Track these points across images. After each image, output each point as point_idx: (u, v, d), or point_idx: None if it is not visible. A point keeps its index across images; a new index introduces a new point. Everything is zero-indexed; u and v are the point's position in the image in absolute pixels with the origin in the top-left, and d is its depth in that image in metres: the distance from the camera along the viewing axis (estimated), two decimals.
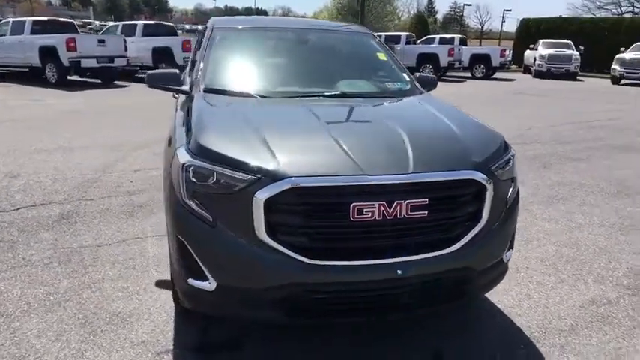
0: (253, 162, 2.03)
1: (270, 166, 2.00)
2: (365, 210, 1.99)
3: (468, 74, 22.25)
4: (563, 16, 32.18)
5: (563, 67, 22.15)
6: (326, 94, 2.99)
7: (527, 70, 24.77)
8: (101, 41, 13.57)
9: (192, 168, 2.10)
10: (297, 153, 2.10)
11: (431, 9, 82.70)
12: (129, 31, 15.30)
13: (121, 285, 3.04)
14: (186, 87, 3.07)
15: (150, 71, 3.19)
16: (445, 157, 2.19)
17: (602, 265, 3.52)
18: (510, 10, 62.10)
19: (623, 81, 20.29)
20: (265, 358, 2.40)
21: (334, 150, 2.12)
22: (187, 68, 4.62)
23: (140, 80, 15.75)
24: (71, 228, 3.88)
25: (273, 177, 1.97)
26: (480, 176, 2.15)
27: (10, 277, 3.09)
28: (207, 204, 2.08)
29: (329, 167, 2.02)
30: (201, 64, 3.13)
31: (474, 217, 2.20)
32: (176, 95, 3.77)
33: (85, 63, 13.05)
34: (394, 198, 2.01)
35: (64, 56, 12.63)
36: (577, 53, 22.39)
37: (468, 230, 2.19)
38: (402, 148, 2.17)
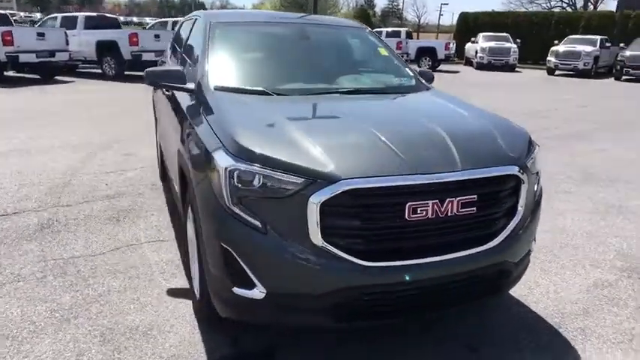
0: (306, 164, 1.95)
1: (324, 167, 1.94)
2: (419, 209, 1.98)
3: (415, 67, 22.79)
4: (498, 10, 33.76)
5: (503, 60, 23.22)
6: (340, 90, 2.94)
7: (468, 62, 25.72)
8: (40, 34, 12.65)
9: (236, 172, 1.99)
10: (346, 153, 2.04)
11: (370, 2, 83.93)
12: (69, 23, 14.35)
13: (131, 297, 2.85)
14: (191, 85, 2.91)
15: (149, 68, 2.99)
16: (487, 154, 2.22)
17: (593, 249, 3.72)
18: (447, 4, 63.78)
19: (557, 72, 21.59)
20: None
21: (381, 149, 2.09)
22: (169, 63, 4.41)
23: (84, 75, 14.90)
24: (56, 237, 3.60)
25: (328, 179, 1.90)
26: (518, 171, 2.20)
27: (3, 295, 2.82)
28: (255, 209, 1.98)
29: (382, 167, 1.99)
30: (206, 61, 2.96)
31: (511, 211, 2.25)
32: (167, 92, 3.59)
33: (23, 58, 12.12)
34: (446, 196, 2.02)
35: (1, 51, 11.66)
36: (515, 46, 23.53)
37: (506, 224, 2.23)
38: (445, 145, 2.18)
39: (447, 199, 2.02)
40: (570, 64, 21.06)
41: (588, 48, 20.96)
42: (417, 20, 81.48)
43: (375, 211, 1.96)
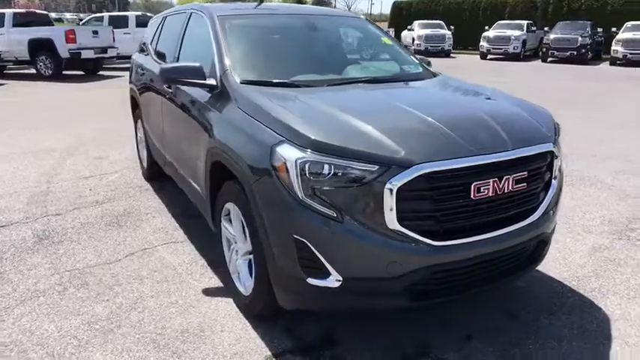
0: (378, 151, 2.01)
1: (396, 154, 2.00)
2: (482, 188, 2.10)
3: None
4: None
5: (439, 46, 24.09)
6: (362, 79, 2.99)
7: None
8: None
9: (308, 164, 2.01)
10: (411, 138, 2.11)
11: None
12: None
13: (167, 300, 2.78)
14: (212, 81, 2.85)
15: (164, 65, 2.91)
16: (528, 133, 2.37)
17: (582, 216, 4.05)
18: None
19: (489, 56, 22.73)
20: (362, 347, 2.40)
21: (439, 132, 2.18)
22: (151, 60, 4.25)
23: (15, 77, 13.85)
24: (60, 248, 3.41)
25: (402, 165, 1.97)
26: (553, 147, 2.38)
27: (28, 312, 2.65)
28: (329, 199, 2.01)
29: (447, 150, 2.08)
30: (225, 56, 2.90)
31: (547, 185, 2.42)
32: (169, 88, 3.48)
33: None
34: (503, 174, 2.15)
35: None
36: (449, 32, 24.49)
37: (544, 198, 2.41)
38: (491, 127, 2.30)
39: (504, 177, 2.15)
40: (501, 48, 22.24)
41: (517, 32, 22.23)
42: (347, 9, 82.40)
43: (444, 193, 2.05)
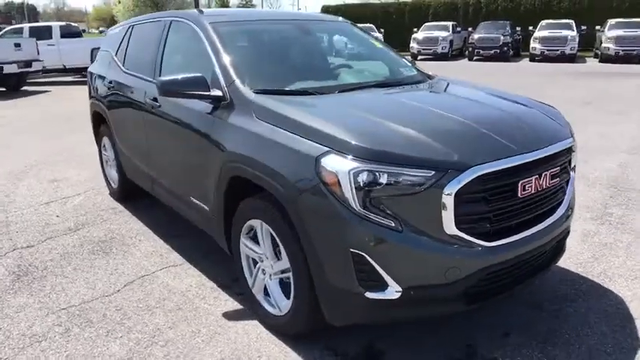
0: (433, 156, 1.97)
1: (450, 158, 1.98)
2: (527, 186, 2.13)
3: None
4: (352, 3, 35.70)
5: None
6: (372, 83, 2.95)
7: None
8: None
9: (362, 174, 1.93)
10: (457, 141, 2.09)
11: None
12: None
13: (189, 330, 2.58)
14: (217, 92, 2.68)
15: (164, 78, 2.70)
16: (552, 130, 2.43)
17: None
18: None
19: (420, 57, 23.59)
20: (409, 356, 2.35)
21: (480, 133, 2.18)
22: (122, 68, 3.98)
23: None
24: (45, 284, 3.07)
25: (459, 168, 1.95)
26: (573, 142, 2.48)
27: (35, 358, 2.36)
28: (386, 208, 1.95)
29: (495, 150, 2.09)
30: (229, 66, 2.74)
31: (568, 178, 2.51)
32: (155, 101, 3.25)
33: None
34: (542, 170, 2.20)
35: None
36: (380, 35, 25.13)
37: (566, 190, 2.49)
38: (522, 125, 2.34)
39: (543, 173, 2.20)
40: (430, 49, 23.16)
41: (444, 33, 23.26)
42: None
43: (496, 193, 2.06)
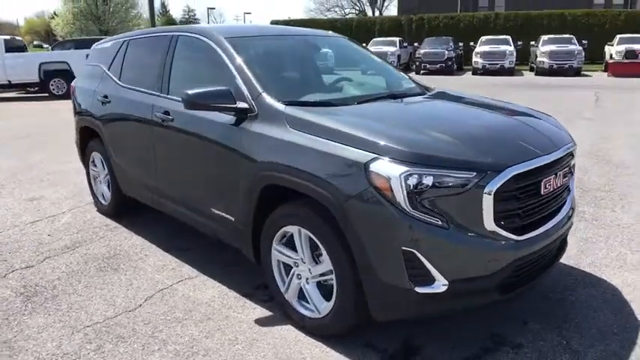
0: (473, 158, 2.17)
1: (488, 159, 2.18)
2: (547, 184, 2.38)
3: None
4: (299, 18, 36.33)
5: (323, 63, 25.11)
6: (385, 95, 3.14)
7: None
8: None
9: (412, 177, 2.09)
10: (488, 144, 2.30)
11: (165, 12, 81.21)
12: None
13: (225, 338, 2.61)
14: (243, 105, 2.77)
15: (191, 91, 2.74)
16: (558, 134, 2.70)
17: None
18: (250, 13, 65.77)
19: None
20: (445, 347, 2.51)
21: (507, 137, 2.42)
22: (118, 83, 3.95)
23: None
24: (60, 303, 2.99)
25: (497, 169, 2.16)
26: (574, 146, 2.77)
27: None
28: (433, 208, 2.11)
29: (523, 152, 2.31)
30: (253, 79, 2.84)
31: (572, 178, 2.80)
32: (168, 115, 3.27)
33: None
34: (557, 170, 2.46)
35: None
36: (330, 51, 25.64)
37: (570, 187, 2.78)
38: (536, 131, 2.60)
39: (559, 173, 2.46)
40: None
41: (392, 48, 24.09)
42: None
43: (525, 191, 2.28)
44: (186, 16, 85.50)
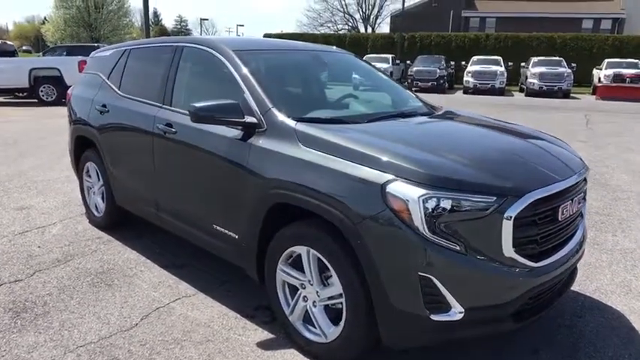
0: (493, 182, 2.11)
1: (507, 184, 2.12)
2: (565, 209, 2.33)
3: None
4: (291, 31, 36.57)
5: None
6: (394, 114, 3.09)
7: None
8: None
9: (431, 200, 2.03)
10: (506, 169, 2.25)
11: (157, 22, 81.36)
12: None
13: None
14: (251, 119, 2.70)
15: (198, 104, 2.66)
16: (573, 160, 2.65)
17: None
18: (243, 25, 66.12)
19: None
20: None
21: (525, 161, 2.36)
22: (118, 92, 3.85)
23: None
24: (52, 321, 2.84)
25: (516, 194, 2.10)
26: (588, 172, 2.73)
27: None
28: (452, 233, 2.05)
29: (540, 178, 2.26)
30: (262, 94, 2.77)
31: (585, 204, 2.75)
32: (171, 127, 3.18)
33: None
34: (573, 196, 2.41)
35: None
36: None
37: (584, 215, 2.74)
38: (552, 155, 2.56)
39: (575, 198, 2.41)
40: None
41: (384, 65, 24.22)
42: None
43: (543, 217, 2.23)
44: (178, 26, 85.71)
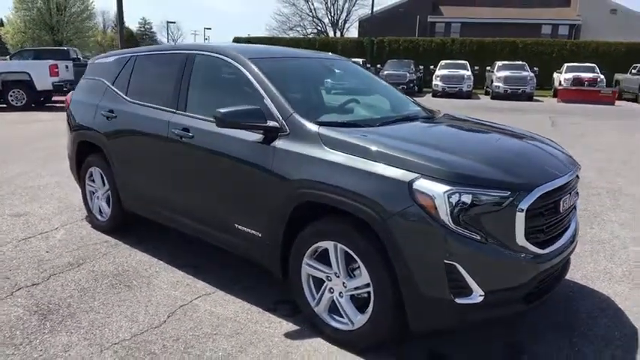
0: (507, 178, 2.37)
1: (520, 179, 2.39)
2: (564, 202, 2.61)
3: None
4: (259, 35, 36.67)
5: None
6: (400, 117, 3.31)
7: None
8: None
9: (455, 195, 2.26)
10: (516, 166, 2.52)
11: (121, 25, 79.57)
12: None
13: (259, 352, 2.66)
14: (274, 124, 2.87)
15: (224, 110, 2.81)
16: (567, 158, 2.94)
17: None
18: (210, 29, 65.67)
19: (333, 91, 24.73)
20: (472, 353, 2.68)
21: (529, 159, 2.65)
22: (125, 98, 3.95)
23: None
24: (81, 321, 2.93)
25: (527, 188, 2.36)
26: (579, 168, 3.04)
27: None
28: (473, 224, 2.28)
29: (545, 174, 2.54)
30: (283, 99, 2.95)
31: (578, 198, 3.05)
32: (188, 131, 3.32)
33: None
34: (571, 190, 2.70)
35: None
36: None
37: (576, 208, 3.03)
38: (549, 154, 2.85)
39: (572, 192, 2.70)
40: None
41: None
42: (174, 43, 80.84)
43: (548, 208, 2.50)
44: (142, 29, 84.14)
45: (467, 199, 2.28)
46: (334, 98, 3.64)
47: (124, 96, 4.01)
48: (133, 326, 2.90)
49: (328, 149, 2.65)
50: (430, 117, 3.53)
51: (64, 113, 4.78)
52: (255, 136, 2.95)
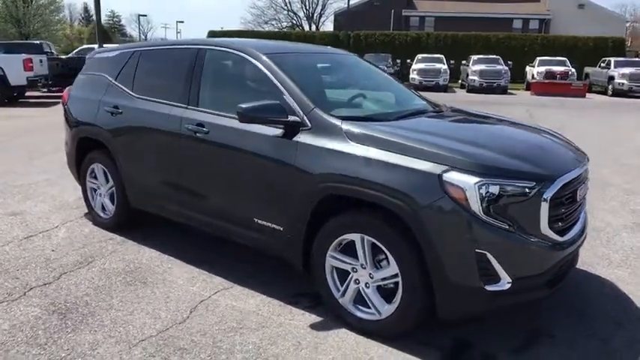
0: (532, 170, 2.46)
1: (544, 170, 2.49)
2: (580, 192, 2.73)
3: None
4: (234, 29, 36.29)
5: None
6: (413, 112, 3.38)
7: None
8: None
9: (485, 186, 2.34)
10: (538, 158, 2.62)
11: (88, 18, 77.51)
12: None
13: (288, 344, 2.69)
14: (295, 118, 2.90)
15: (245, 105, 2.82)
16: (578, 151, 3.06)
17: None
18: (183, 22, 64.43)
19: None
20: (498, 339, 2.77)
21: (546, 151, 2.76)
22: (132, 94, 3.90)
23: None
24: (103, 319, 2.90)
25: (550, 179, 2.47)
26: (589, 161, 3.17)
27: None
28: (502, 213, 2.37)
29: (564, 165, 2.65)
30: (303, 94, 2.96)
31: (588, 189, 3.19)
32: (203, 127, 3.31)
33: None
34: (584, 180, 2.82)
35: None
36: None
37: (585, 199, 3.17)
38: (560, 146, 2.97)
39: (586, 182, 2.83)
40: None
41: None
42: (144, 37, 79.24)
43: (567, 198, 2.61)
44: (110, 22, 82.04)
45: (495, 189, 2.36)
46: (344, 93, 3.68)
47: (130, 91, 3.95)
48: (157, 323, 2.89)
49: (354, 143, 2.69)
50: (439, 111, 3.61)
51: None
52: (276, 131, 2.96)
